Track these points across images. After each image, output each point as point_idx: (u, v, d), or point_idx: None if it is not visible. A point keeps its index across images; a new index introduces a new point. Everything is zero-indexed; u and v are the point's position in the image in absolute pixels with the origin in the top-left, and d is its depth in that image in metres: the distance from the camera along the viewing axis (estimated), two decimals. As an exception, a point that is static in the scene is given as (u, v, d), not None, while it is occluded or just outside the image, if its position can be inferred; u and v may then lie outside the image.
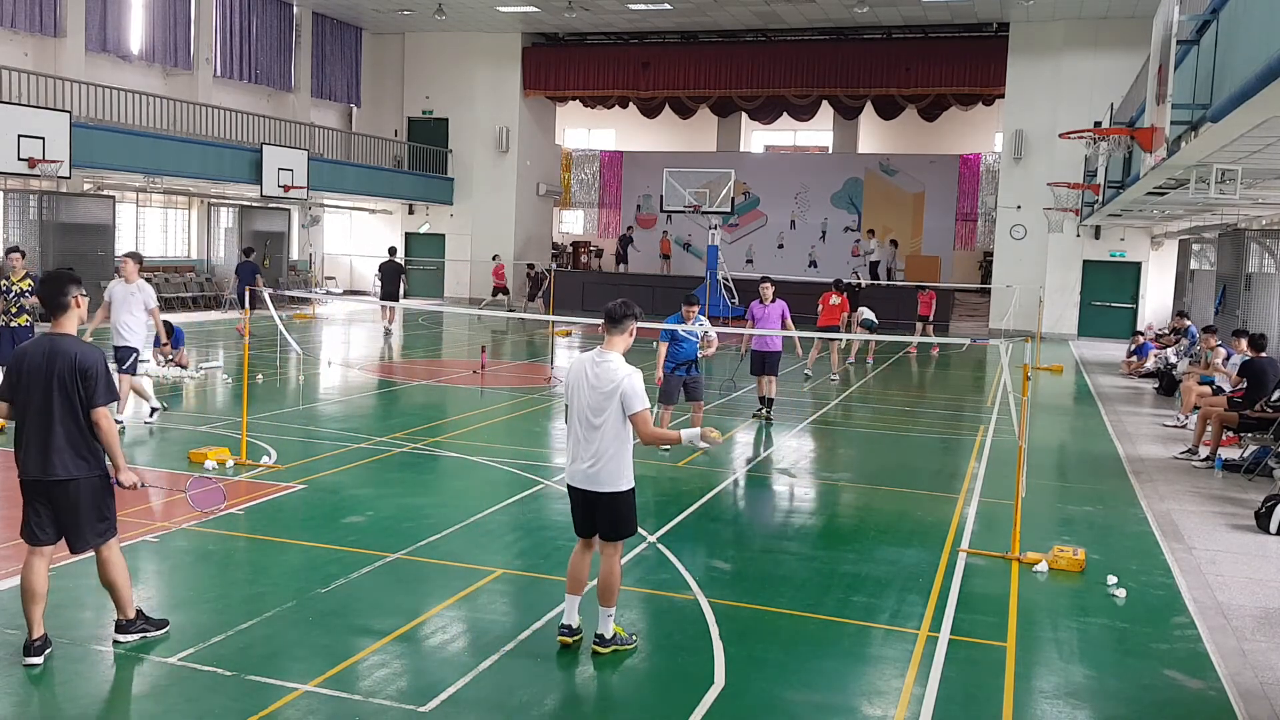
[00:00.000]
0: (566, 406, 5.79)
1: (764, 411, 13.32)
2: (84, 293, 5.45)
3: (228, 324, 23.29)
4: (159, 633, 5.59)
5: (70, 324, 5.37)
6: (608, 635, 5.64)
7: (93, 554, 5.49)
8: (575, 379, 5.70)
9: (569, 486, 5.77)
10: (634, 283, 33.29)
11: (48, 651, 5.26)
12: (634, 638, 5.79)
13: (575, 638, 5.70)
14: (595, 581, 5.80)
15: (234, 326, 20.70)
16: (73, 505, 5.27)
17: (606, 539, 5.70)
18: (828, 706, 5.23)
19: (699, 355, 11.22)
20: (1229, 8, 7.41)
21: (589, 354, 5.74)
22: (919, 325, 24.23)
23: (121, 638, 5.50)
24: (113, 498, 5.45)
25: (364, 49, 34.50)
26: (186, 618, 5.91)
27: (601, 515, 5.68)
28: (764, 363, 13.23)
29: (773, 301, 13.25)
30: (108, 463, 5.40)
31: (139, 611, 5.59)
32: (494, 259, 30.93)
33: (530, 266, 30.30)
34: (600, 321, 5.83)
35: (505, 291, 29.88)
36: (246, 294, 11.29)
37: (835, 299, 18.24)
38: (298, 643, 5.73)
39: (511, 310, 27.27)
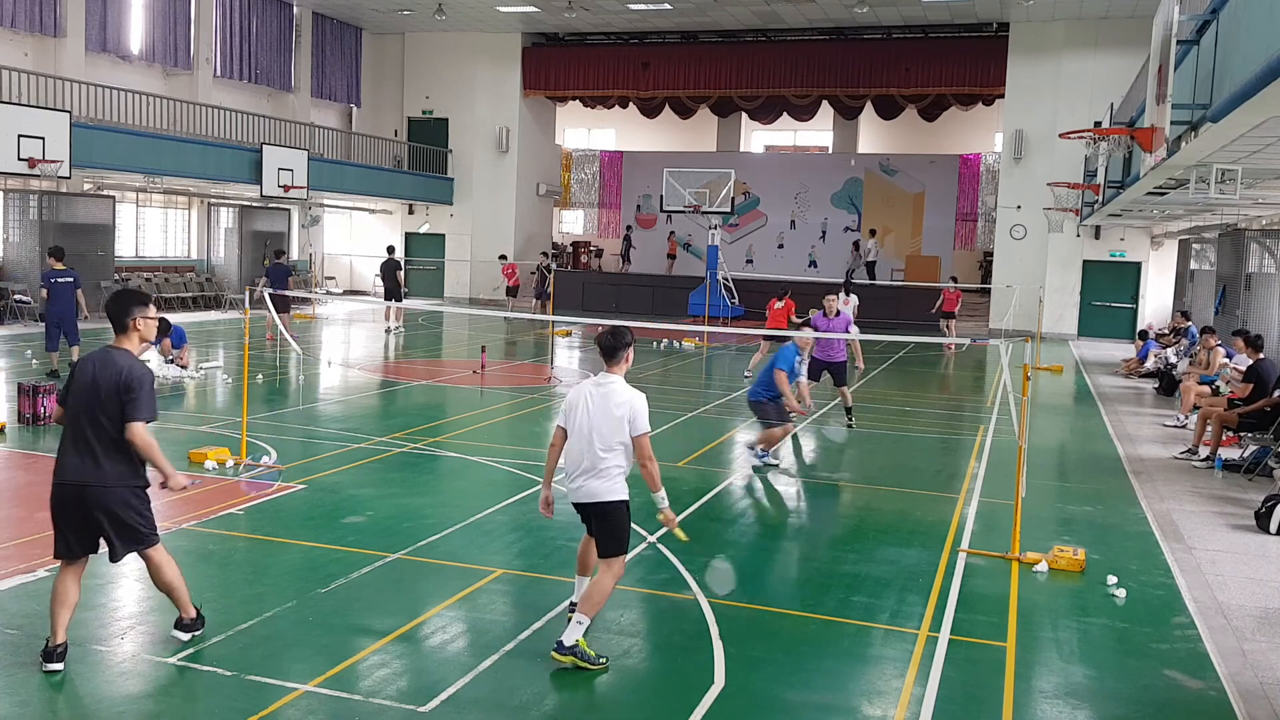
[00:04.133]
0: (562, 428, 5.78)
1: (847, 421, 13.25)
2: (151, 314, 5.47)
3: (228, 324, 23.29)
4: (201, 629, 5.68)
5: (129, 342, 5.40)
6: (567, 643, 5.44)
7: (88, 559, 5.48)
8: (577, 403, 5.73)
9: (575, 505, 5.77)
10: (635, 283, 33.31)
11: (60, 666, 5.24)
12: (603, 660, 5.52)
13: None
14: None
15: (264, 335, 20.19)
16: (110, 513, 5.25)
17: (603, 555, 5.67)
18: (828, 706, 5.24)
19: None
20: (1229, 8, 7.40)
21: (589, 381, 5.81)
22: (944, 322, 24.17)
23: (181, 634, 5.59)
24: (149, 507, 5.43)
25: (364, 49, 34.49)
26: (186, 618, 5.91)
27: (599, 528, 5.70)
28: (827, 370, 13.16)
29: (837, 315, 13.20)
30: (150, 472, 5.39)
31: (199, 610, 5.67)
32: (502, 258, 30.45)
33: (544, 255, 30.17)
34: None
35: (514, 293, 29.48)
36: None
37: (779, 304, 18.31)
38: (298, 643, 5.73)
39: (523, 309, 27.07)
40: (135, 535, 5.34)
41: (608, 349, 5.82)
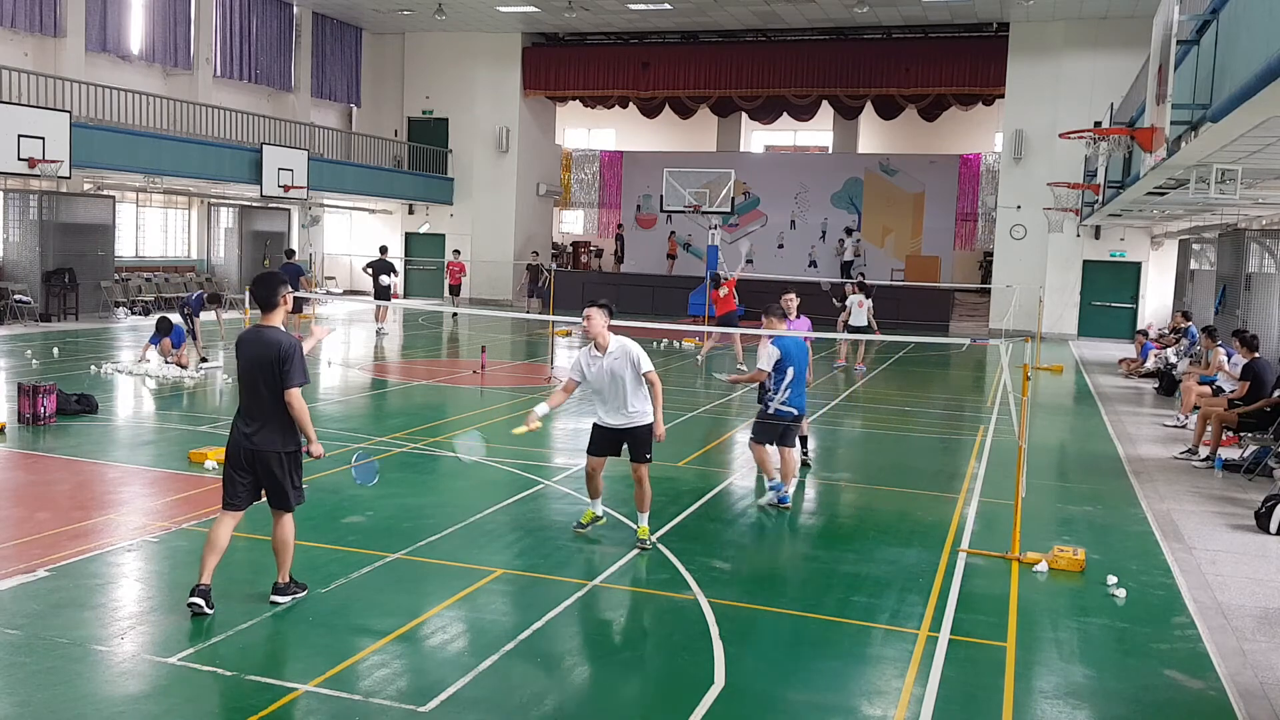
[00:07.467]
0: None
1: (804, 455, 10.78)
2: (291, 293, 6.24)
3: (228, 324, 23.25)
4: (304, 594, 6.25)
5: (277, 318, 6.11)
6: (640, 528, 7.60)
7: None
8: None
9: (604, 427, 7.78)
10: (634, 283, 33.30)
11: (208, 609, 5.89)
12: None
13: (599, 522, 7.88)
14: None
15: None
16: (272, 472, 6.02)
17: (641, 461, 7.64)
18: (828, 706, 5.24)
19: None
20: (1229, 8, 7.40)
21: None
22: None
23: (278, 599, 6.15)
24: (302, 469, 6.17)
25: (364, 49, 34.49)
26: (187, 617, 5.91)
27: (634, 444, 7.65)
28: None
29: (798, 317, 10.86)
30: (302, 439, 6.13)
31: (292, 577, 6.25)
32: (455, 254, 29.48)
33: (534, 255, 30.10)
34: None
35: (456, 291, 28.85)
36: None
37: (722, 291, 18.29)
38: (298, 643, 5.73)
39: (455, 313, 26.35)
40: (294, 493, 6.10)
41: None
